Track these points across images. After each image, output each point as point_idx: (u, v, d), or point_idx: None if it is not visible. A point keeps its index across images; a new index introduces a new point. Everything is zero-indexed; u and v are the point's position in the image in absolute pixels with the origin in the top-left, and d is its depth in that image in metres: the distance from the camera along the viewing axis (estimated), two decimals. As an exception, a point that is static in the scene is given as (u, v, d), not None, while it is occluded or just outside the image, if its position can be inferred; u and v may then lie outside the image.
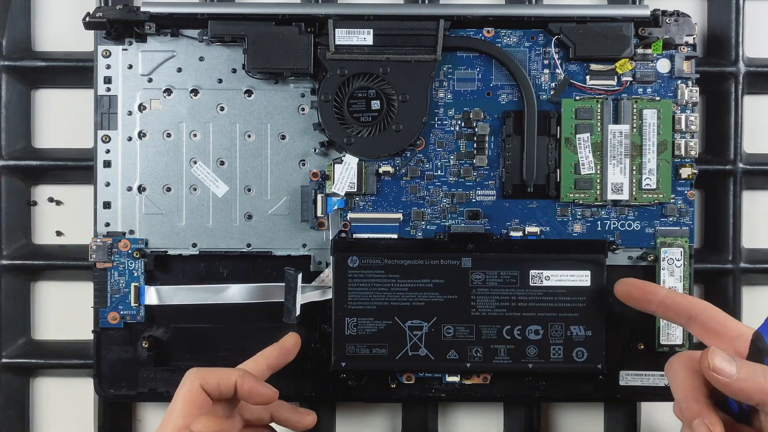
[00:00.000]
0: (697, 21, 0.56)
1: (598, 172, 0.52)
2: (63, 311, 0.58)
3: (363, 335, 0.51)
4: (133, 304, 0.52)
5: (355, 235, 0.51)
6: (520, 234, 0.52)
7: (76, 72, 0.56)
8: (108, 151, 0.52)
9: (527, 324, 0.50)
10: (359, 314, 0.50)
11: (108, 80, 0.52)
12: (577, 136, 0.52)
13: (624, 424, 0.56)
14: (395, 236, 0.52)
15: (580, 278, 0.50)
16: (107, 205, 0.52)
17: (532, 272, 0.50)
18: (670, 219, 0.52)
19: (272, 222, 0.53)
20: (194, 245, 0.52)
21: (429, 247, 0.51)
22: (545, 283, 0.50)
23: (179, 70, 0.52)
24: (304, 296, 0.51)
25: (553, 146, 0.52)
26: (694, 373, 0.40)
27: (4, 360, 0.56)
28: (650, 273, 0.52)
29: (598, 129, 0.52)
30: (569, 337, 0.50)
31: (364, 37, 0.51)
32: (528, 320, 0.50)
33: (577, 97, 0.52)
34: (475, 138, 0.52)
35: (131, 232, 0.52)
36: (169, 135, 0.53)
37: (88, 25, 0.51)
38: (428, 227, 0.52)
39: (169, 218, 0.52)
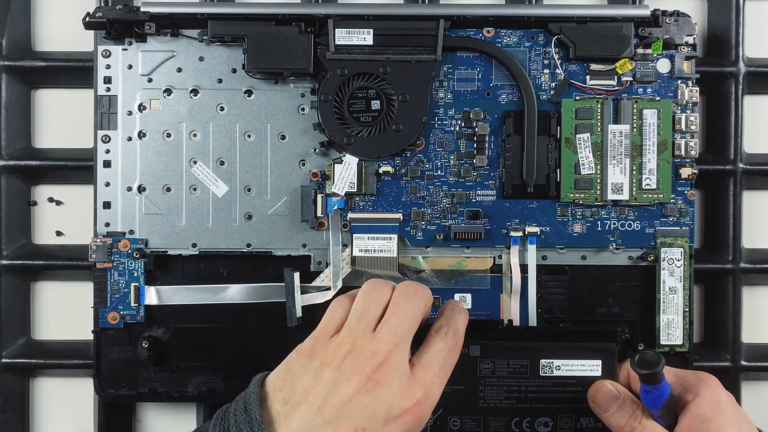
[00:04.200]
0: (697, 21, 0.56)
1: (598, 172, 0.52)
2: (63, 311, 0.58)
3: None
4: (133, 304, 0.52)
5: None
6: (520, 234, 0.52)
7: (76, 72, 0.56)
8: (108, 151, 0.52)
9: (537, 415, 0.49)
10: None
11: (108, 80, 0.52)
12: (577, 136, 0.52)
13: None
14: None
15: (591, 368, 0.49)
16: (107, 205, 0.52)
17: (543, 362, 0.49)
18: (671, 219, 0.52)
19: (272, 222, 0.53)
20: (194, 245, 0.52)
21: None
22: (555, 373, 0.49)
23: (179, 70, 0.52)
24: (305, 297, 0.51)
25: (553, 146, 0.52)
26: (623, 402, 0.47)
27: (4, 360, 0.56)
28: (650, 273, 0.52)
29: (598, 129, 0.52)
30: (579, 428, 0.49)
31: (364, 37, 0.51)
32: (537, 411, 0.49)
33: (577, 97, 0.52)
34: (475, 138, 0.52)
35: (131, 232, 0.52)
36: (169, 135, 0.53)
37: (88, 25, 0.51)
38: (428, 227, 0.52)
39: (169, 218, 0.52)
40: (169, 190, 0.53)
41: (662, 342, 0.51)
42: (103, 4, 0.56)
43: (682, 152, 0.52)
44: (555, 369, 0.49)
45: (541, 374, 0.49)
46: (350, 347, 0.39)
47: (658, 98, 0.52)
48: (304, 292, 0.52)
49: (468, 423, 0.49)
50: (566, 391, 0.49)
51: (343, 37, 0.51)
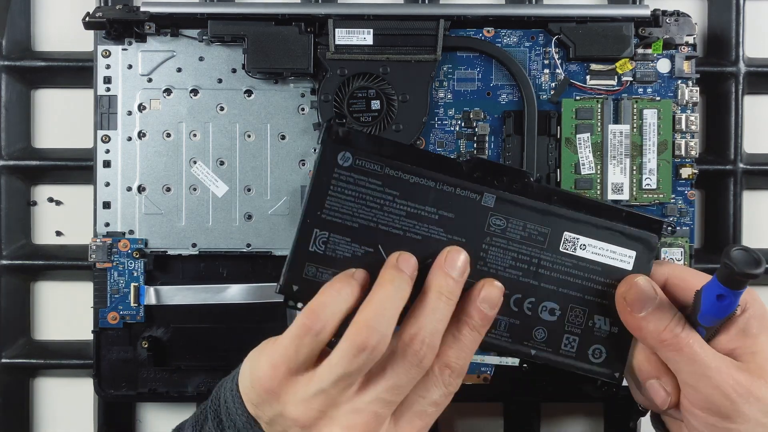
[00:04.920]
0: (697, 21, 0.56)
1: (599, 172, 0.52)
2: (63, 311, 0.58)
3: (331, 257, 0.39)
4: (132, 304, 0.52)
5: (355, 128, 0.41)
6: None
7: (75, 72, 0.56)
8: (108, 151, 0.52)
9: (543, 298, 0.40)
10: (334, 229, 0.39)
11: (108, 80, 0.52)
12: (578, 136, 0.52)
13: (624, 424, 0.56)
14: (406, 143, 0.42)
15: (622, 258, 0.41)
16: (107, 205, 0.52)
17: (567, 235, 0.40)
18: (671, 219, 0.52)
19: (272, 222, 0.53)
20: (194, 245, 0.52)
21: (446, 167, 0.40)
22: (578, 253, 0.40)
23: (179, 70, 0.52)
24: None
25: (553, 146, 0.52)
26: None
27: (4, 360, 0.56)
28: (650, 273, 0.52)
29: (599, 129, 0.52)
30: (590, 327, 0.41)
31: (364, 37, 0.51)
32: (545, 294, 0.40)
33: (578, 97, 0.52)
34: (475, 138, 0.52)
35: (131, 232, 0.52)
36: (168, 135, 0.52)
37: (87, 25, 0.51)
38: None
39: (168, 218, 0.52)
40: (168, 190, 0.52)
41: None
42: (103, 4, 0.56)
43: (683, 152, 0.52)
44: (579, 248, 0.40)
45: (560, 249, 0.40)
46: (322, 410, 0.35)
47: (658, 98, 0.52)
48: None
49: None
50: (585, 278, 0.41)
51: (343, 37, 0.51)
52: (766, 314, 0.39)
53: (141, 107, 0.52)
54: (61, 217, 0.58)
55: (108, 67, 0.52)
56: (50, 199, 0.58)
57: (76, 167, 0.56)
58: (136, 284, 0.52)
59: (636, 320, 0.38)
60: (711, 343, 0.38)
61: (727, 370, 0.36)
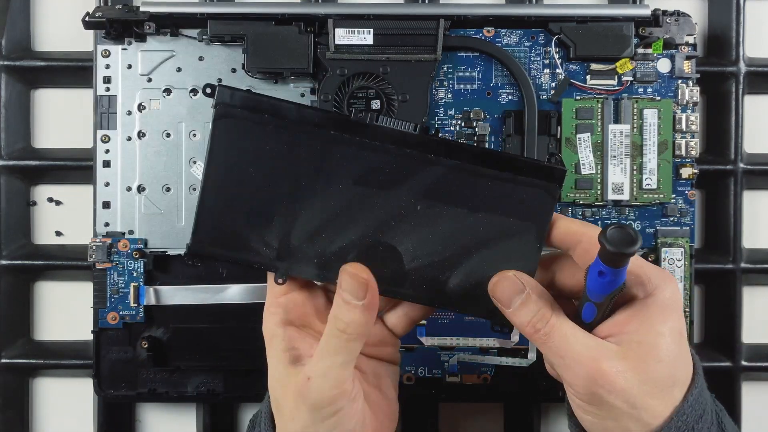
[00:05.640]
0: (697, 21, 0.56)
1: (599, 172, 0.52)
2: (63, 311, 0.58)
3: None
4: (132, 305, 0.52)
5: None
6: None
7: (75, 72, 0.56)
8: (107, 151, 0.52)
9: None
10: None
11: (107, 80, 0.52)
12: (578, 135, 0.52)
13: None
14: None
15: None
16: (107, 205, 0.52)
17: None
18: (671, 219, 0.52)
19: (272, 222, 0.53)
20: (194, 245, 0.52)
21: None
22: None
23: (179, 69, 0.52)
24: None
25: (553, 146, 0.52)
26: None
27: (4, 360, 0.56)
28: (651, 273, 0.52)
29: (599, 129, 0.52)
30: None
31: (364, 36, 0.51)
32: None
33: (578, 97, 0.52)
34: (475, 138, 0.52)
35: (131, 232, 0.52)
36: (168, 135, 0.52)
37: (87, 25, 0.51)
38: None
39: (168, 218, 0.52)
40: (168, 190, 0.52)
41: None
42: (102, 4, 0.55)
43: (683, 152, 0.52)
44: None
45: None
46: None
47: (658, 98, 0.52)
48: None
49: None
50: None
51: (343, 36, 0.51)
52: (671, 305, 0.36)
53: (141, 107, 0.52)
54: (61, 217, 0.58)
55: (108, 67, 0.52)
56: (50, 199, 0.58)
57: (76, 167, 0.56)
58: (136, 284, 0.52)
59: (507, 314, 0.37)
60: (605, 322, 0.36)
61: (592, 359, 0.34)
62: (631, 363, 0.34)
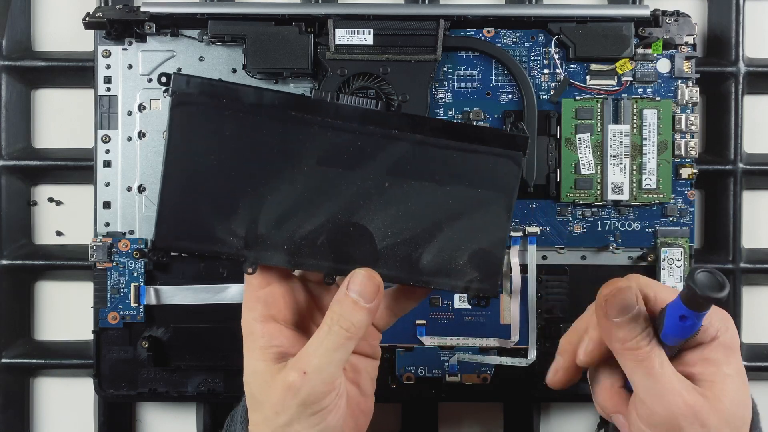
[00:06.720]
0: (697, 21, 0.56)
1: (599, 172, 0.52)
2: (63, 311, 0.58)
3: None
4: (132, 304, 0.52)
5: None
6: (520, 234, 0.52)
7: (76, 72, 0.56)
8: (108, 151, 0.52)
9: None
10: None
11: (108, 80, 0.52)
12: (578, 136, 0.52)
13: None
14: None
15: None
16: (107, 205, 0.52)
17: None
18: (671, 219, 0.52)
19: (272, 222, 0.53)
20: (194, 245, 0.52)
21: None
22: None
23: (179, 70, 0.52)
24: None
25: (553, 146, 0.52)
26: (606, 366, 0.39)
27: (4, 360, 0.56)
28: (650, 273, 0.52)
29: (599, 129, 0.52)
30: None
31: (364, 37, 0.51)
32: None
33: (577, 97, 0.52)
34: (475, 138, 0.52)
35: (131, 232, 0.52)
36: (169, 135, 0.52)
37: (88, 25, 0.51)
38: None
39: (169, 218, 0.52)
40: (169, 190, 0.52)
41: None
42: (103, 4, 0.56)
43: (682, 152, 0.52)
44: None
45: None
46: None
47: (658, 98, 0.52)
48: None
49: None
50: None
51: (343, 37, 0.51)
52: (733, 346, 0.38)
53: (141, 107, 0.52)
54: (62, 217, 0.58)
55: (108, 67, 0.52)
56: (50, 199, 0.58)
57: (76, 167, 0.56)
58: (136, 284, 0.52)
59: (608, 323, 0.37)
60: (674, 362, 0.37)
61: (681, 392, 0.36)
62: (711, 402, 0.36)
